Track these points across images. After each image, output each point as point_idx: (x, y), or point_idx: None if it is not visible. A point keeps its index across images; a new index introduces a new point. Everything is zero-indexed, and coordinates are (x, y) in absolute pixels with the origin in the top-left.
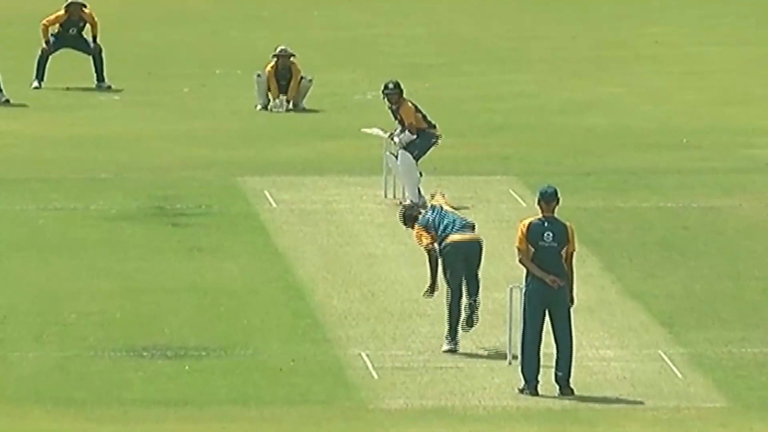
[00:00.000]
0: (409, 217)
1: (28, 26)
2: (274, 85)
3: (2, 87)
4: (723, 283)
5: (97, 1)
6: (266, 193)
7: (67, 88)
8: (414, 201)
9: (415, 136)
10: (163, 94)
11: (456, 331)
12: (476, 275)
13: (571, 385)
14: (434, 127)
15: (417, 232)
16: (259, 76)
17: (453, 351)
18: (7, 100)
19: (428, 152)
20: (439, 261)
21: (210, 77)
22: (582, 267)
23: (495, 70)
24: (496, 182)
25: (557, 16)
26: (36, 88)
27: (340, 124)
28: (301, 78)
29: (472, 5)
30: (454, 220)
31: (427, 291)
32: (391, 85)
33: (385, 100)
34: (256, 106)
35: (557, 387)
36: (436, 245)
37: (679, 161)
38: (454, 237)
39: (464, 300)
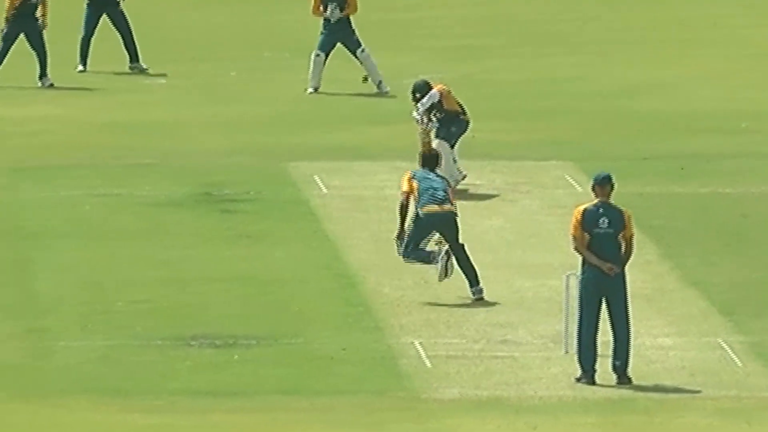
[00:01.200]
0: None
1: (70, 8)
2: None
3: (48, 71)
4: None
5: None
6: (316, 178)
7: (115, 73)
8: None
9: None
10: (210, 77)
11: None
12: (457, 242)
13: (629, 374)
14: (465, 113)
15: (405, 179)
16: (317, 55)
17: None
18: (52, 84)
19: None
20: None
21: (258, 60)
22: (640, 254)
23: (551, 53)
24: (552, 167)
25: None
26: (81, 71)
27: (391, 108)
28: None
29: None
30: (436, 189)
31: (396, 238)
32: (418, 95)
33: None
34: (306, 90)
35: (615, 376)
36: (409, 199)
37: (739, 146)
38: (431, 208)
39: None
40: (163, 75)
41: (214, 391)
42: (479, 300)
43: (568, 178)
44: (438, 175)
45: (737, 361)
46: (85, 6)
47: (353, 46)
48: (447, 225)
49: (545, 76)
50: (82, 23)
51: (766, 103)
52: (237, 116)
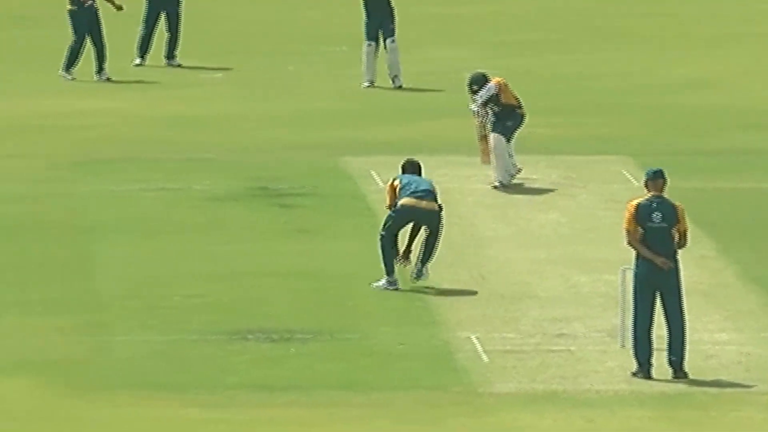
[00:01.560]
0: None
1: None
2: None
3: (105, 65)
4: None
5: None
6: (373, 173)
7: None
8: (504, 183)
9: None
10: (267, 72)
11: (393, 269)
12: (436, 237)
13: (685, 369)
14: (521, 107)
15: (387, 189)
16: (369, 45)
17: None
18: (109, 78)
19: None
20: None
21: (315, 55)
22: (697, 249)
23: (609, 48)
24: (609, 162)
25: None
26: (137, 65)
27: (448, 102)
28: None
29: None
30: (419, 184)
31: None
32: (475, 87)
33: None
34: (362, 84)
35: (671, 371)
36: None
37: None
38: (411, 201)
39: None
40: (221, 69)
41: (270, 386)
42: (417, 279)
43: (625, 173)
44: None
45: None
46: (145, 2)
47: (387, 33)
48: (428, 221)
49: (603, 70)
50: (142, 19)
51: None
52: (294, 111)
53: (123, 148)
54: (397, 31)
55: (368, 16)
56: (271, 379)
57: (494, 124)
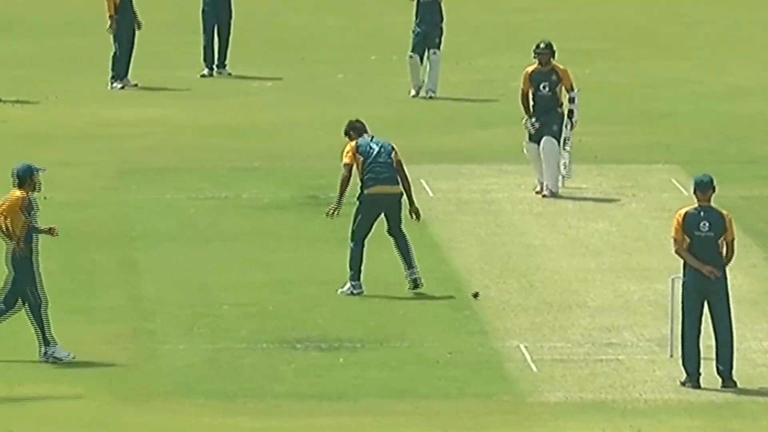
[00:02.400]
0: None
1: (182, 10)
2: None
3: (129, 72)
4: None
5: None
6: (422, 182)
7: (230, 74)
8: (553, 191)
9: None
10: (316, 80)
11: (359, 275)
12: (399, 230)
13: (734, 378)
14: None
15: (348, 149)
16: (411, 57)
17: (354, 294)
18: (136, 84)
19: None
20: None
21: (365, 63)
22: (745, 258)
23: (657, 56)
24: (658, 171)
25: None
26: (203, 75)
27: (497, 111)
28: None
29: None
30: (380, 165)
31: (330, 210)
32: (543, 45)
33: (536, 60)
34: (409, 92)
35: (719, 380)
36: (350, 171)
37: None
38: (376, 189)
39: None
40: (271, 78)
41: (319, 395)
42: (414, 288)
43: (674, 182)
44: (382, 146)
45: None
46: (200, 13)
47: (432, 44)
48: (391, 207)
49: (652, 79)
50: (201, 30)
51: None
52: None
53: (171, 157)
54: (443, 44)
55: (417, 25)
56: (320, 388)
57: (544, 127)
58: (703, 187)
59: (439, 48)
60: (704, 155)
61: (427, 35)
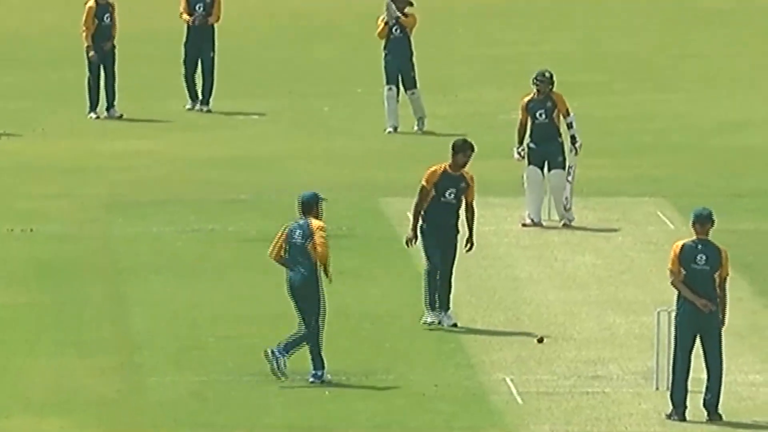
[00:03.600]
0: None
1: (166, 43)
2: None
3: (115, 102)
4: None
5: (238, 16)
6: (409, 215)
7: (210, 111)
8: (535, 220)
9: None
10: (303, 113)
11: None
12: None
13: (720, 411)
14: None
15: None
16: (390, 89)
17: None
18: (121, 116)
19: None
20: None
21: (351, 96)
22: (732, 291)
23: (647, 89)
24: (644, 204)
25: (711, 32)
26: (188, 108)
27: (485, 143)
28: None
29: (624, 22)
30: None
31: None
32: (547, 74)
33: (534, 88)
34: (385, 130)
35: (705, 412)
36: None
37: None
38: None
39: None
40: (257, 111)
41: (306, 427)
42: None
43: (660, 215)
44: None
45: None
46: (183, 45)
47: (407, 83)
48: None
49: (641, 112)
50: (182, 62)
51: None
52: (329, 151)
53: (158, 190)
54: (425, 77)
55: (386, 59)
56: (307, 421)
57: (548, 157)
58: (703, 220)
59: (415, 86)
60: (692, 188)
61: (401, 71)
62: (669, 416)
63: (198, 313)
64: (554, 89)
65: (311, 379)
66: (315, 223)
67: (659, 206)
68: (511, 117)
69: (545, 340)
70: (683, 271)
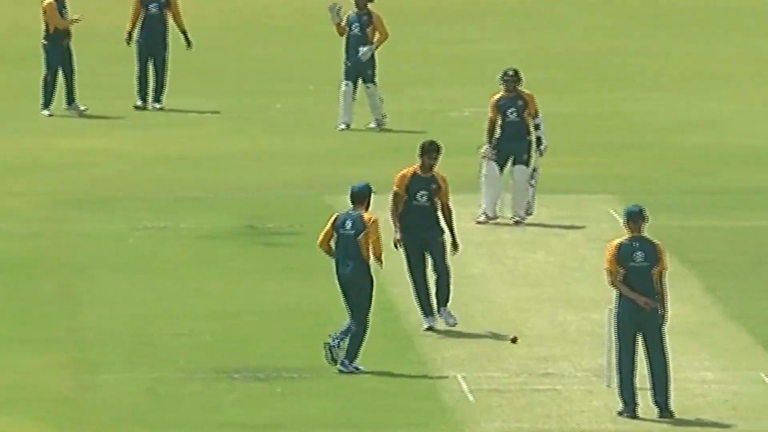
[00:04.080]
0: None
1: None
2: None
3: (75, 97)
4: None
5: (189, 14)
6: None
7: (163, 109)
8: (489, 216)
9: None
10: (255, 110)
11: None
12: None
13: (671, 408)
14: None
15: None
16: (347, 85)
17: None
18: (82, 111)
19: None
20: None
21: (303, 93)
22: (684, 288)
23: (604, 87)
24: (596, 201)
25: (669, 32)
26: (138, 107)
27: (438, 141)
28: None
29: (582, 21)
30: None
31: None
32: (510, 72)
33: (502, 87)
34: (337, 126)
35: (656, 410)
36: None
37: None
38: None
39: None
40: (211, 109)
41: (256, 425)
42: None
43: (612, 213)
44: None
45: None
46: (135, 45)
47: (366, 78)
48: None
49: (597, 110)
50: (135, 61)
51: None
52: (281, 149)
53: (111, 187)
54: (377, 77)
55: (346, 55)
56: (258, 418)
57: (514, 154)
58: (635, 218)
59: (373, 81)
60: (645, 185)
61: (359, 68)
62: (620, 413)
63: (151, 311)
64: (522, 87)
65: (341, 368)
66: (368, 216)
67: (611, 204)
68: (464, 115)
69: (518, 340)
70: (621, 270)
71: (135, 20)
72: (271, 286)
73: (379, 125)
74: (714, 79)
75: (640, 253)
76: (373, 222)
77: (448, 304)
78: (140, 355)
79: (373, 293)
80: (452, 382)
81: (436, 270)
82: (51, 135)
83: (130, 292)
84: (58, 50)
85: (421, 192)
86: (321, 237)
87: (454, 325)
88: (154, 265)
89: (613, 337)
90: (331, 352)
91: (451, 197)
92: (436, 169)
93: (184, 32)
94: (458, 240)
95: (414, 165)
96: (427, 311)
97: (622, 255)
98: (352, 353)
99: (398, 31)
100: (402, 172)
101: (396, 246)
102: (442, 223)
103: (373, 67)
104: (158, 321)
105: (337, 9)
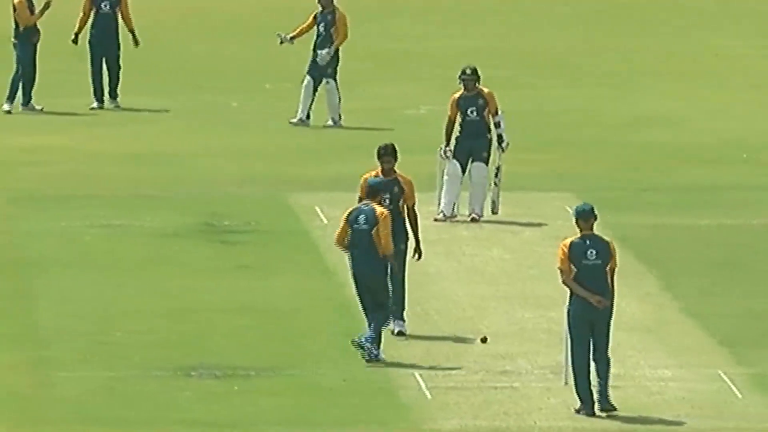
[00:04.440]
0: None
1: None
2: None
3: (32, 96)
4: None
5: (144, 11)
6: (317, 209)
7: (119, 107)
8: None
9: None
10: (211, 108)
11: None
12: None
13: (611, 402)
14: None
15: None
16: (308, 81)
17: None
18: (42, 109)
19: None
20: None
21: (260, 92)
22: (640, 286)
23: (554, 84)
24: (552, 198)
25: (616, 29)
26: (93, 108)
27: (392, 139)
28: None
29: (531, 18)
30: None
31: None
32: (468, 71)
33: (461, 85)
34: (291, 119)
35: (597, 404)
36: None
37: (740, 177)
38: None
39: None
40: (168, 107)
41: (213, 422)
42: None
43: (568, 210)
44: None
45: (737, 392)
46: (87, 44)
47: (325, 74)
48: None
49: (549, 107)
50: (89, 61)
51: (767, 134)
52: (239, 147)
53: (66, 185)
54: (338, 74)
55: (313, 53)
56: (215, 416)
57: (473, 152)
58: (586, 216)
59: (333, 78)
60: (599, 183)
61: (320, 66)
62: (578, 411)
63: (108, 308)
64: (481, 84)
65: (365, 353)
66: (379, 210)
67: (566, 201)
68: (419, 113)
69: (488, 340)
70: (574, 269)
71: (84, 21)
72: (227, 283)
73: (335, 124)
74: (661, 77)
75: (592, 251)
76: (384, 217)
77: (404, 315)
78: (97, 353)
79: (388, 282)
80: (410, 380)
81: (391, 281)
82: (6, 132)
83: (87, 290)
84: (27, 48)
85: (384, 196)
86: (337, 234)
87: (405, 335)
88: (110, 263)
89: (568, 336)
90: (364, 350)
91: (417, 200)
92: (399, 171)
93: (132, 31)
94: (422, 246)
95: (377, 168)
96: (395, 314)
97: (575, 253)
98: (376, 338)
99: (355, 28)
100: (364, 177)
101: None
102: (409, 229)
103: (336, 65)
104: (115, 319)
105: (282, 36)
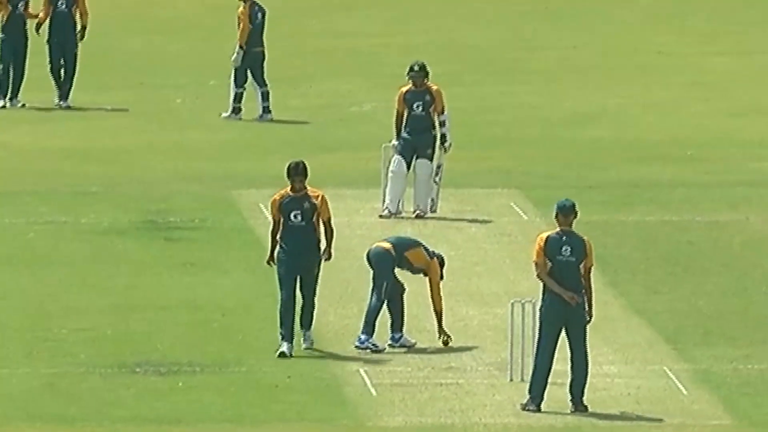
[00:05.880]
0: None
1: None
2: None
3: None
4: (728, 299)
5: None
6: (262, 206)
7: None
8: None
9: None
10: (155, 105)
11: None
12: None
13: (585, 403)
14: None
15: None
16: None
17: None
18: (23, 105)
19: None
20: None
21: (204, 88)
22: None
23: (497, 81)
24: (497, 195)
25: (559, 25)
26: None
27: (337, 135)
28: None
29: (473, 14)
30: None
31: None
32: (417, 67)
33: (410, 81)
34: (222, 113)
35: (571, 405)
36: None
37: (684, 174)
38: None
39: None
40: (111, 103)
41: (158, 419)
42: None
43: (514, 206)
44: None
45: (682, 389)
46: (46, 40)
47: (258, 81)
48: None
49: (492, 103)
50: (47, 56)
51: (711, 131)
52: (182, 144)
53: (8, 181)
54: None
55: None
56: (159, 412)
57: (418, 148)
58: (566, 212)
59: (264, 86)
60: (543, 180)
61: (252, 67)
62: (524, 407)
63: (50, 305)
64: (429, 81)
65: (356, 343)
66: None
67: (512, 198)
68: (363, 110)
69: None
70: (549, 263)
71: (47, 14)
72: (171, 280)
73: (266, 118)
74: (603, 73)
75: (567, 247)
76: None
77: (312, 328)
78: (40, 349)
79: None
80: (354, 376)
81: (303, 292)
82: None
83: (30, 287)
84: (11, 42)
85: (295, 212)
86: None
87: (311, 346)
88: (53, 260)
89: (518, 331)
90: (373, 346)
91: (332, 216)
92: (309, 188)
93: (84, 27)
94: (332, 252)
95: (286, 188)
96: (284, 335)
97: (550, 248)
98: (370, 325)
99: (295, 25)
100: (273, 198)
101: (269, 263)
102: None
103: (262, 69)
104: (58, 315)
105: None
